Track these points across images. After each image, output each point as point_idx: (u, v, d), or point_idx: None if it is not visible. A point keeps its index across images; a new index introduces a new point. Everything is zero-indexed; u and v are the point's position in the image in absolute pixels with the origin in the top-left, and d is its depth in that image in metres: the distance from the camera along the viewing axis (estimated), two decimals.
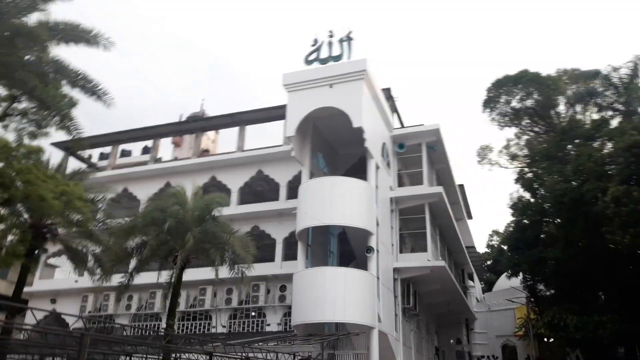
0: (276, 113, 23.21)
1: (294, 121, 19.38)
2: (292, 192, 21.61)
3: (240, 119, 24.42)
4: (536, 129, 32.78)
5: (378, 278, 17.95)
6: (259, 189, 23.86)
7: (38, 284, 24.70)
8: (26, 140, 13.41)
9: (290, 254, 20.87)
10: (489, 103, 32.76)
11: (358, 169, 20.57)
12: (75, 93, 12.99)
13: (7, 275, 26.42)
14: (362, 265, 18.28)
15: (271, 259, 21.40)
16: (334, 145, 22.66)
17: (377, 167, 19.91)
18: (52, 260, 25.06)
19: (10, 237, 13.80)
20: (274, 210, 21.92)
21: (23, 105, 13.23)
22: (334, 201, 18.13)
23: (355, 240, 19.28)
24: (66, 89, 12.74)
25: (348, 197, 18.24)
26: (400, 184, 23.00)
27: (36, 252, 14.49)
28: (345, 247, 20.15)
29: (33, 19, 11.84)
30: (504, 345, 32.39)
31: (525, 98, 31.54)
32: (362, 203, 18.40)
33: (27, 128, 13.40)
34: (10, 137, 13.29)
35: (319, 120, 20.54)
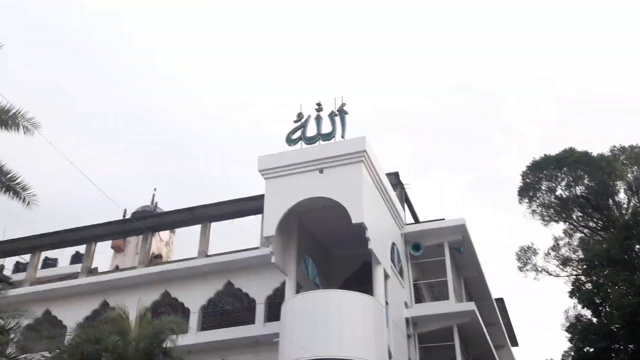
0: (250, 206, 23.24)
1: (274, 216, 19.35)
2: (274, 312, 21.11)
3: (204, 215, 24.44)
4: (591, 224, 33.17)
5: None
6: (228, 307, 23.37)
7: None
8: None
9: None
10: (527, 191, 33.39)
11: (361, 279, 20.30)
12: None
13: None
14: None
15: None
16: (327, 247, 22.53)
17: (386, 276, 19.67)
18: None
19: None
20: (248, 338, 21.18)
21: None
22: (329, 324, 17.61)
23: None
24: None
25: (349, 318, 17.77)
26: (418, 298, 22.64)
27: None
28: None
29: None
30: None
31: (573, 184, 32.23)
32: (368, 326, 17.92)
33: None
34: None
35: (306, 215, 20.53)
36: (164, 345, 16.53)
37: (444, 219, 23.43)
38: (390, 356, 18.26)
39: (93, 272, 27.43)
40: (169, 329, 16.61)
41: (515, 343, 34.89)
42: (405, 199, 25.00)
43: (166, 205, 37.77)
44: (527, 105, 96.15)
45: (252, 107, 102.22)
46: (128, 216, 32.95)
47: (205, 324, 22.83)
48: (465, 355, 21.99)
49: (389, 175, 22.91)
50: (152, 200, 38.07)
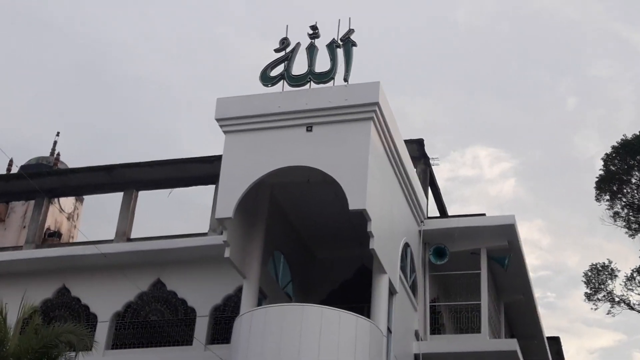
0: (199, 171, 23.48)
1: (233, 190, 19.10)
2: (221, 331, 21.32)
3: (128, 178, 24.57)
4: None
5: None
6: (155, 318, 23.34)
7: None
8: None
9: None
10: (609, 183, 33.52)
11: (355, 292, 20.45)
12: None
13: None
14: None
15: None
16: (309, 241, 22.62)
17: (392, 292, 19.73)
18: None
19: None
20: None
21: None
22: (303, 353, 17.59)
23: None
24: None
25: (332, 348, 17.73)
26: (436, 327, 22.78)
27: None
28: None
29: None
30: None
31: None
32: None
33: None
34: None
35: (282, 192, 20.62)
36: None
37: (484, 215, 23.57)
38: None
39: None
40: (65, 342, 16.59)
41: None
42: (430, 181, 25.07)
43: (73, 160, 37.56)
44: (617, 56, 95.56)
45: (218, 27, 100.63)
46: (15, 170, 32.80)
47: (120, 340, 22.93)
48: None
49: (408, 143, 22.77)
50: (53, 150, 37.84)
